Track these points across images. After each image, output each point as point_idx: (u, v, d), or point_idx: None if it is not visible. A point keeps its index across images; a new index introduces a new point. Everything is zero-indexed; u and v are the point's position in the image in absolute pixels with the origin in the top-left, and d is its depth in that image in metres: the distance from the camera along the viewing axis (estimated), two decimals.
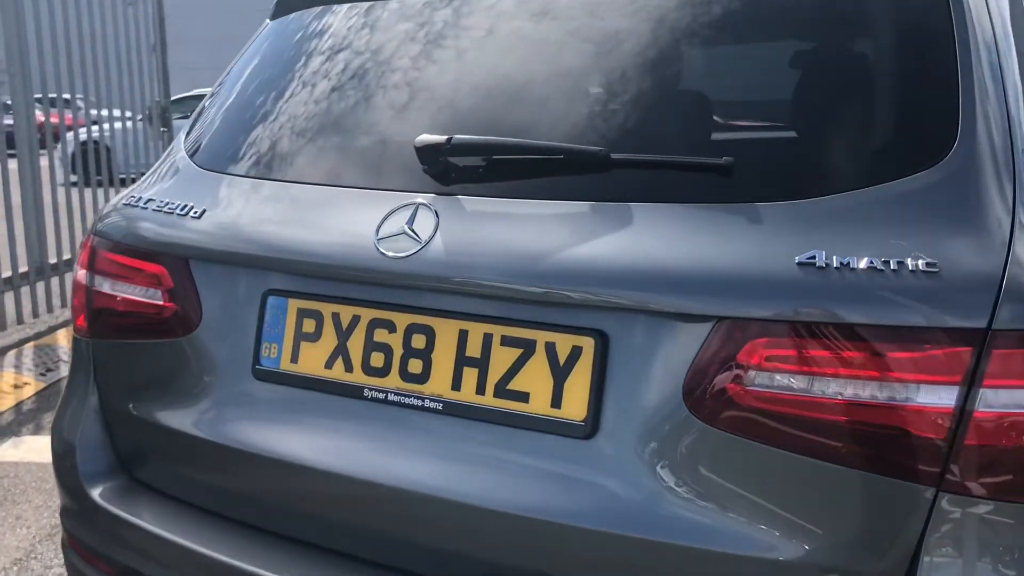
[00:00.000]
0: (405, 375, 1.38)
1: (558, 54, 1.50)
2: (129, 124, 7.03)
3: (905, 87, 1.31)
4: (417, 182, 1.41)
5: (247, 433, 1.51)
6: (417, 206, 1.38)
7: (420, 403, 1.37)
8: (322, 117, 1.62)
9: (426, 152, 1.38)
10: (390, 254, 1.35)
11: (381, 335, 1.40)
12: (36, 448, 3.85)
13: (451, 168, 1.39)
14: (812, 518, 1.16)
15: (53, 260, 5.99)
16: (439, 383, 1.36)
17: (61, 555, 2.94)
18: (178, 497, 1.63)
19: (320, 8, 1.81)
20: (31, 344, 5.27)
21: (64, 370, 4.83)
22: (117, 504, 1.64)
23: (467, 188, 1.39)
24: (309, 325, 1.46)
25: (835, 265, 1.14)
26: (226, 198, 1.60)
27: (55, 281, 5.97)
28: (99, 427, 1.72)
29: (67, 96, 6.28)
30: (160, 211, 1.65)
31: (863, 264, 1.13)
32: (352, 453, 1.42)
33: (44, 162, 6.15)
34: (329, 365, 1.44)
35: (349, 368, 1.42)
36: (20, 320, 5.60)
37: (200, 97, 14.03)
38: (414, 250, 1.34)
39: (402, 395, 1.38)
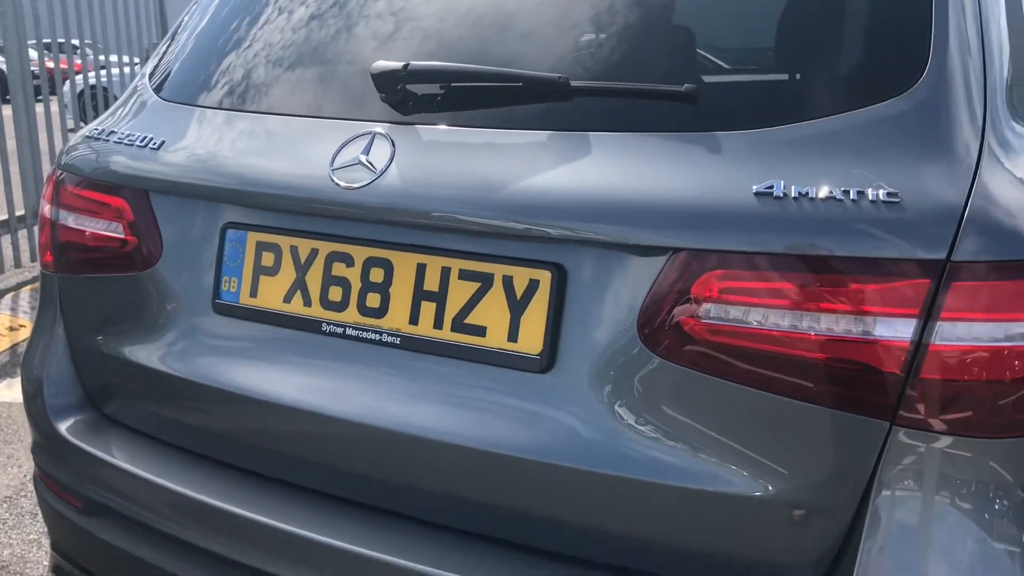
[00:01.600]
0: (363, 309, 1.36)
1: None
2: (128, 69, 6.96)
3: (873, 13, 1.27)
4: (374, 111, 1.38)
5: (208, 367, 1.50)
6: (373, 135, 1.35)
7: (378, 337, 1.35)
8: (280, 48, 1.58)
9: (382, 79, 1.35)
10: (344, 184, 1.32)
11: (339, 269, 1.38)
12: None
13: (408, 96, 1.36)
14: (766, 452, 1.14)
15: None
16: (397, 317, 1.34)
17: None
18: (144, 432, 1.63)
19: None
20: (28, 288, 5.28)
21: None
22: (85, 439, 1.64)
23: (425, 117, 1.36)
24: (268, 259, 1.44)
25: (793, 195, 1.11)
26: (186, 130, 1.57)
27: None
28: (67, 363, 1.71)
29: (63, 41, 6.22)
30: (121, 143, 1.62)
31: (822, 194, 1.10)
32: (310, 388, 1.40)
33: (49, 107, 6.11)
34: (288, 299, 1.43)
35: (308, 302, 1.41)
36: (18, 264, 5.61)
37: None
38: (368, 181, 1.31)
39: (360, 329, 1.37)
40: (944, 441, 1.09)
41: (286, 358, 1.44)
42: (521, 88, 1.31)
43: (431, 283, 1.32)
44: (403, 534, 1.34)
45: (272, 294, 1.44)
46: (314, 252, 1.40)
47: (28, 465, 3.20)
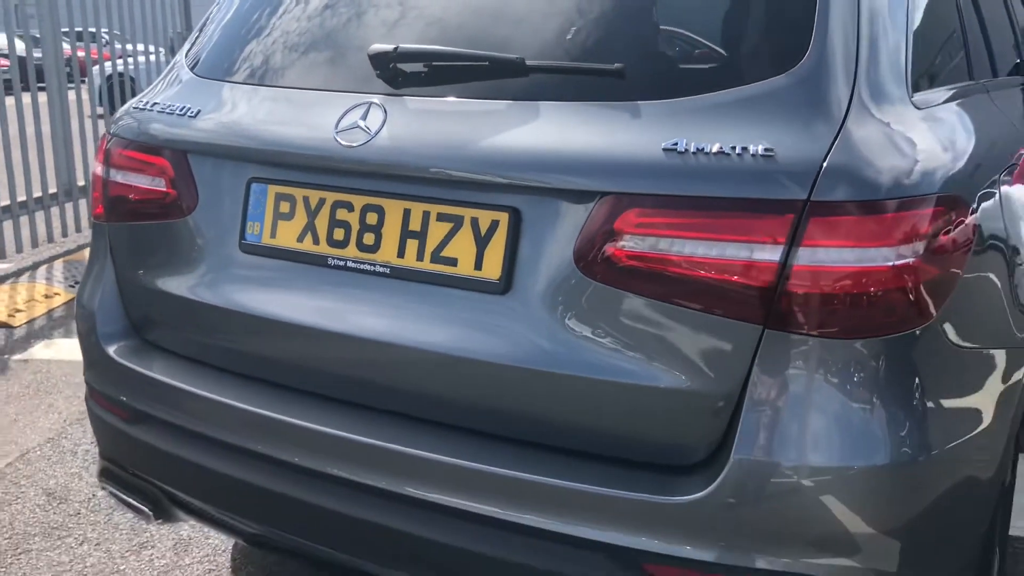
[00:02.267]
0: (361, 246, 1.68)
1: None
2: (152, 57, 7.28)
3: (769, 11, 1.57)
4: (371, 84, 1.69)
5: (234, 296, 1.82)
6: (369, 104, 1.67)
7: (372, 268, 1.67)
8: (294, 33, 1.90)
9: (377, 59, 1.66)
10: (344, 143, 1.64)
11: (342, 214, 1.70)
12: (65, 348, 4.23)
13: (398, 73, 1.67)
14: (674, 352, 1.45)
15: (81, 183, 6.33)
16: (387, 252, 1.65)
17: (89, 436, 3.31)
18: (179, 353, 1.95)
19: None
20: (61, 260, 5.63)
21: None
22: (129, 359, 1.96)
23: (411, 90, 1.67)
24: (285, 207, 1.76)
25: (692, 150, 1.41)
26: (218, 101, 1.89)
27: (83, 203, 6.31)
28: (115, 297, 2.04)
29: (93, 30, 6.54)
30: (163, 113, 1.94)
31: (714, 149, 1.40)
32: (319, 310, 1.72)
33: (80, 94, 6.44)
34: (301, 239, 1.74)
35: (316, 241, 1.72)
36: (51, 239, 5.97)
37: None
38: (364, 140, 1.62)
39: (358, 262, 1.68)
40: (804, 340, 1.39)
41: (298, 287, 1.75)
42: (488, 66, 1.62)
43: (414, 224, 1.63)
44: (390, 426, 1.65)
45: (288, 235, 1.76)
46: (322, 200, 1.72)
47: (66, 412, 3.54)
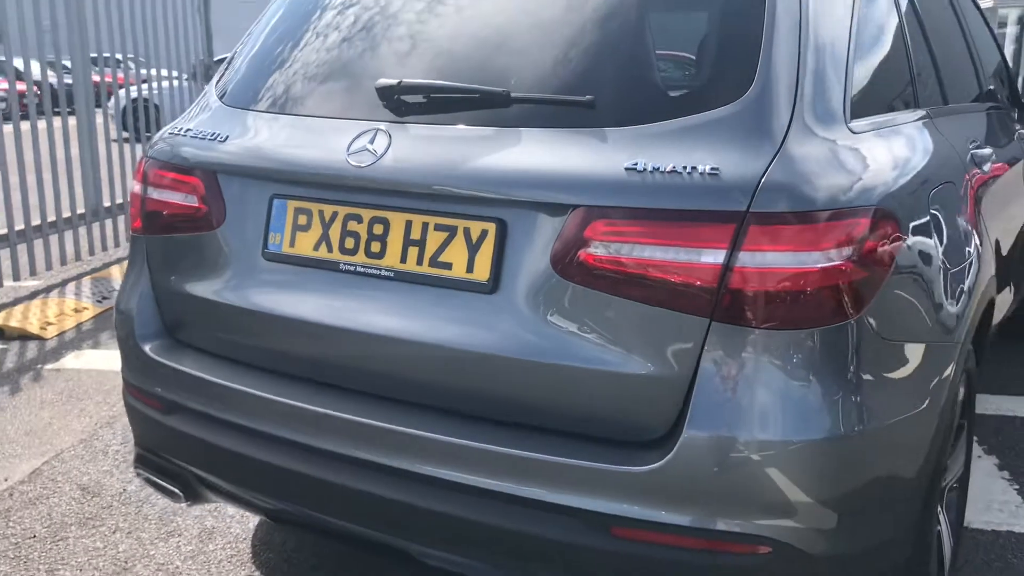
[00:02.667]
0: (368, 253, 1.92)
1: (486, 25, 2.01)
2: (176, 83, 7.57)
3: (720, 49, 1.81)
4: (378, 113, 1.94)
5: (258, 298, 2.06)
6: (376, 130, 1.91)
7: (378, 272, 1.91)
8: (315, 67, 2.15)
9: (383, 91, 1.91)
10: (355, 164, 1.88)
11: (352, 225, 1.94)
12: (95, 359, 4.49)
13: (401, 103, 1.91)
14: (637, 341, 1.67)
15: (107, 204, 6.63)
16: (392, 258, 1.89)
17: (119, 437, 3.56)
18: (208, 350, 2.19)
19: None
20: (88, 277, 5.91)
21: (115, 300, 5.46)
22: (164, 356, 2.20)
23: (412, 118, 1.91)
24: (302, 219, 2.00)
25: (649, 169, 1.65)
26: (244, 127, 2.14)
27: (108, 224, 6.60)
28: (150, 301, 2.28)
29: (114, 56, 6.83)
30: (195, 137, 2.19)
31: (669, 168, 1.64)
32: (331, 310, 1.96)
33: (107, 118, 6.74)
34: (316, 248, 1.98)
35: (330, 249, 1.96)
36: (78, 257, 6.25)
37: None
38: (372, 161, 1.87)
39: (366, 267, 1.92)
40: (746, 331, 1.61)
41: (314, 289, 1.99)
42: (478, 98, 1.86)
43: (415, 234, 1.87)
44: (393, 409, 1.88)
45: (305, 244, 2.00)
46: (335, 214, 1.96)
47: (97, 416, 3.79)
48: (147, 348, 2.23)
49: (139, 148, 7.08)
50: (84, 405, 3.93)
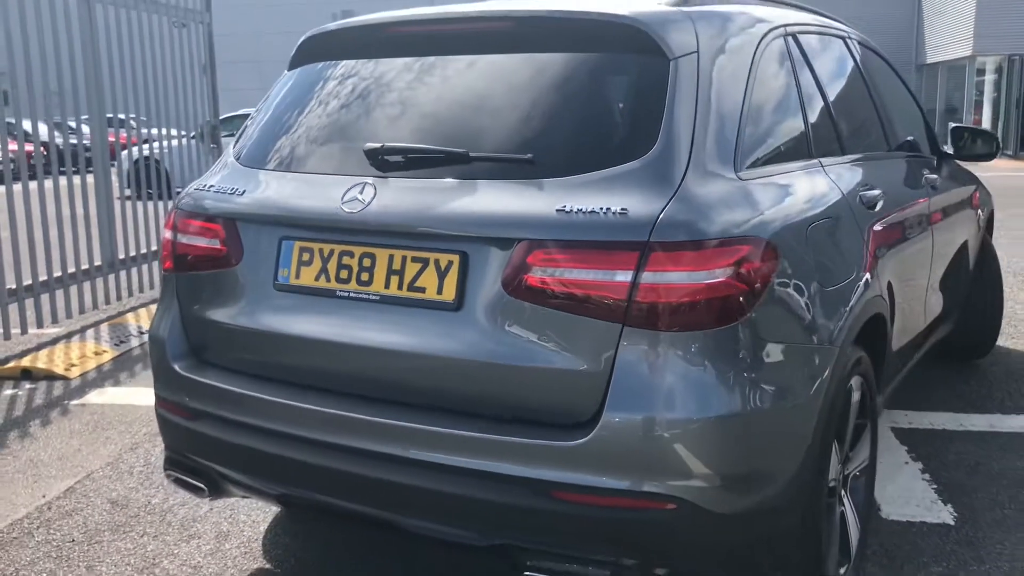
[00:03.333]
0: (359, 282, 2.38)
1: (452, 99, 2.51)
2: (185, 142, 8.07)
3: (632, 116, 2.30)
4: (366, 170, 2.41)
5: (270, 321, 2.52)
6: (364, 183, 2.39)
7: (367, 297, 2.36)
8: (314, 132, 2.63)
9: (370, 152, 2.39)
10: (347, 211, 2.36)
11: (346, 260, 2.40)
12: (116, 395, 4.94)
13: (384, 162, 2.40)
14: (567, 343, 2.12)
15: (122, 256, 7.12)
16: (378, 285, 2.35)
17: (141, 460, 3.99)
18: (227, 367, 2.64)
19: (315, 64, 2.84)
20: (106, 323, 6.37)
21: (134, 343, 5.93)
22: (191, 372, 2.65)
23: (393, 173, 2.39)
24: (306, 256, 2.47)
25: (575, 210, 2.12)
26: (256, 183, 2.62)
27: (123, 274, 7.09)
28: (180, 327, 2.74)
29: (122, 116, 7.32)
30: (218, 192, 2.67)
31: (589, 209, 2.11)
32: (330, 328, 2.41)
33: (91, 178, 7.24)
34: (317, 279, 2.44)
35: (328, 280, 2.42)
36: (95, 306, 6.72)
37: (244, 116, 15.16)
38: (361, 209, 2.34)
39: (358, 293, 2.38)
40: (650, 333, 2.05)
41: (315, 312, 2.45)
42: (444, 156, 2.35)
43: (396, 265, 2.34)
44: (381, 406, 2.33)
45: (308, 276, 2.46)
46: (332, 251, 2.43)
47: (120, 443, 4.23)
48: (176, 366, 2.69)
49: (148, 206, 7.57)
50: (109, 434, 4.37)
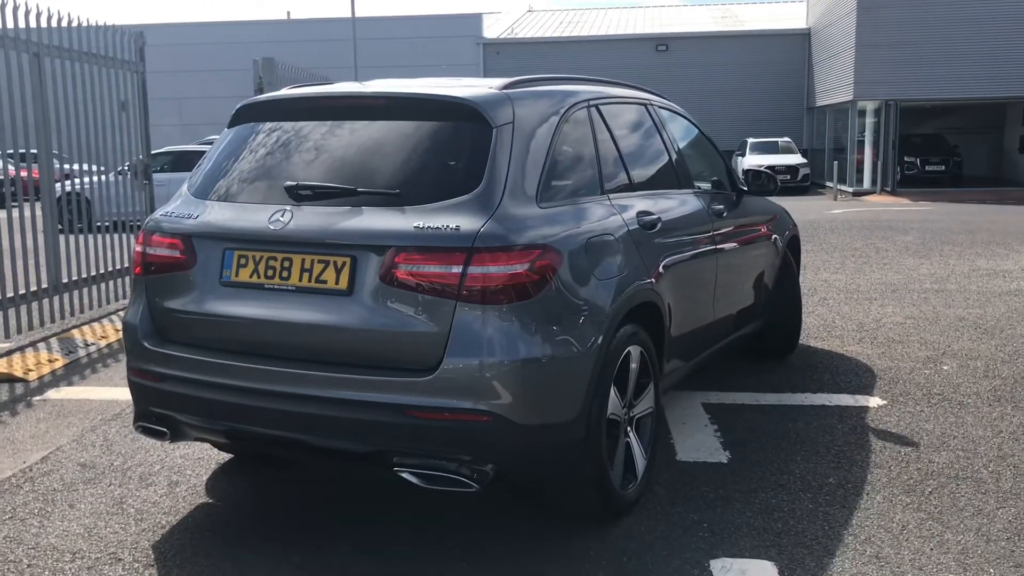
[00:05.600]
0: (281, 278, 3.40)
1: (348, 149, 3.60)
2: (106, 178, 8.75)
3: (465, 164, 3.40)
4: (285, 200, 3.45)
5: (217, 307, 3.51)
6: (284, 209, 3.43)
7: (286, 288, 3.39)
8: (248, 174, 3.67)
9: (288, 188, 3.45)
10: (273, 228, 3.40)
11: (272, 263, 3.43)
12: (72, 392, 5.83)
13: (298, 195, 3.45)
14: (423, 315, 3.17)
15: (65, 279, 7.97)
16: (294, 279, 3.37)
17: (100, 438, 4.93)
18: (183, 342, 3.65)
19: (247, 124, 3.90)
20: (54, 337, 7.24)
21: (80, 353, 6.81)
22: (155, 346, 3.64)
23: (305, 202, 3.44)
24: (243, 261, 3.49)
25: (425, 227, 3.20)
26: (206, 209, 3.65)
27: (67, 296, 7.94)
28: (148, 315, 3.72)
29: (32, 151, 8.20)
30: (175, 216, 3.70)
31: (435, 226, 3.20)
32: (260, 310, 3.42)
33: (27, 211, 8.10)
34: (251, 276, 3.46)
35: (259, 276, 3.44)
36: (42, 323, 7.56)
37: (169, 153, 15.90)
38: (282, 227, 3.37)
39: (280, 286, 3.40)
40: (475, 306, 3.13)
41: (249, 300, 3.47)
42: (339, 190, 3.42)
43: (307, 265, 3.37)
44: (294, 362, 3.38)
45: (244, 274, 3.48)
46: (262, 256, 3.46)
47: (80, 426, 5.14)
48: (145, 343, 3.69)
49: (89, 237, 8.43)
50: (70, 420, 5.28)
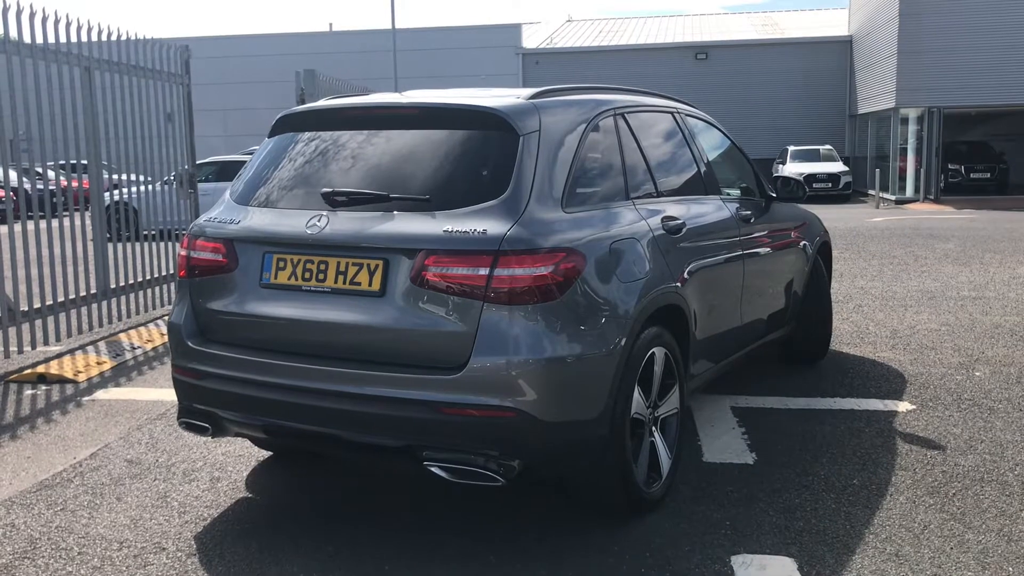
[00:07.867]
0: (317, 280, 3.56)
1: (383, 157, 3.74)
2: (152, 187, 9.04)
3: (492, 172, 3.52)
4: (322, 206, 3.62)
5: (257, 308, 3.67)
6: (321, 215, 3.59)
7: (322, 290, 3.55)
8: (288, 181, 3.84)
9: (325, 195, 3.61)
10: (309, 233, 3.56)
11: (309, 265, 3.59)
12: (119, 393, 6.05)
13: (335, 200, 3.61)
14: (451, 315, 3.30)
15: (113, 286, 8.24)
16: (330, 281, 3.53)
17: (147, 436, 5.13)
18: (225, 342, 3.81)
19: (287, 133, 4.07)
20: (102, 341, 7.49)
21: (127, 356, 7.05)
22: (199, 345, 3.81)
23: (341, 208, 3.59)
24: (281, 264, 3.65)
25: (455, 231, 3.34)
26: (246, 215, 3.83)
27: (115, 301, 8.21)
28: (192, 316, 3.89)
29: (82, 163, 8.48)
30: (218, 222, 3.87)
31: (464, 230, 3.33)
32: (298, 310, 3.57)
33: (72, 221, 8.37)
34: (289, 279, 3.61)
35: (296, 279, 3.60)
36: (90, 328, 7.83)
37: (214, 163, 16.27)
38: (319, 231, 3.53)
39: (317, 288, 3.55)
40: (501, 306, 3.25)
41: (288, 301, 3.63)
42: (373, 196, 3.57)
43: (342, 268, 3.53)
44: (331, 361, 3.51)
45: (283, 277, 3.64)
46: (299, 260, 3.61)
47: (127, 425, 5.35)
48: (189, 342, 3.86)
49: (136, 245, 8.71)
50: (117, 420, 5.50)
